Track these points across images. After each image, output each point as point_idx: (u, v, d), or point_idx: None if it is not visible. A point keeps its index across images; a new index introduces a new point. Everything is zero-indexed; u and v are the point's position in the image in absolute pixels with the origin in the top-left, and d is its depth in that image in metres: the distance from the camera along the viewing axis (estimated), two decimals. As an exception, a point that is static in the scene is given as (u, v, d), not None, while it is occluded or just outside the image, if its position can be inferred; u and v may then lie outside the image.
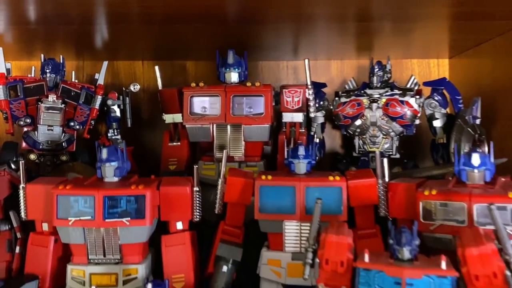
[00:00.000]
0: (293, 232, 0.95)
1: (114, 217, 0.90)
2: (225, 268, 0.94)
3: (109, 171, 0.95)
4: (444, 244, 0.87)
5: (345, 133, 1.32)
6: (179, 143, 1.29)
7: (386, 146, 1.28)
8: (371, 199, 0.96)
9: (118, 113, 1.37)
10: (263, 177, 0.97)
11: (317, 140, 1.32)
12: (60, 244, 0.98)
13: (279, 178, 0.97)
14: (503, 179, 0.91)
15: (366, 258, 0.74)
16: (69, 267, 0.94)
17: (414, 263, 0.73)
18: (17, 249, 1.03)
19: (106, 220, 0.90)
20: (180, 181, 0.99)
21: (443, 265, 0.70)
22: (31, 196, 0.96)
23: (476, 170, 0.87)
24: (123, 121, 1.38)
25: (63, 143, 1.27)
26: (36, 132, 1.25)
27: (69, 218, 0.90)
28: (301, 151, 0.98)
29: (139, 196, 0.91)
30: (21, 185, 0.96)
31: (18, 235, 1.04)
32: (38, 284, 0.95)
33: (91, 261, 0.93)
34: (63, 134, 1.27)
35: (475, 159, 0.86)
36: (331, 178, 0.95)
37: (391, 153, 1.28)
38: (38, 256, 0.97)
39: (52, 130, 1.25)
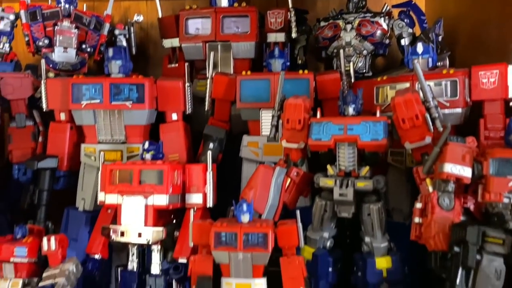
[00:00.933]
0: (268, 118, 1.12)
1: (118, 101, 1.09)
2: (211, 145, 1.12)
3: (115, 67, 1.13)
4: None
5: (324, 55, 1.48)
6: (177, 65, 1.47)
7: (360, 64, 1.43)
8: (335, 92, 1.13)
9: (124, 43, 1.54)
10: (243, 73, 1.14)
11: (300, 62, 1.49)
12: (75, 131, 1.17)
13: (257, 73, 1.14)
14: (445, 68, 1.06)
15: (318, 115, 0.91)
16: (83, 146, 1.13)
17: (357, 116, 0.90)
18: (40, 139, 1.23)
19: (112, 103, 1.08)
20: (174, 78, 1.17)
21: (377, 114, 0.87)
22: (51, 89, 1.16)
23: (420, 57, 1.02)
24: (129, 50, 1.56)
25: (77, 64, 1.46)
26: (53, 53, 1.44)
27: (82, 102, 1.09)
28: (277, 51, 1.15)
29: (139, 85, 1.10)
30: (43, 80, 1.16)
31: (40, 128, 1.25)
32: (57, 161, 1.15)
33: (101, 141, 1.13)
34: (77, 56, 1.46)
35: (419, 47, 1.02)
36: (300, 72, 1.12)
37: (364, 71, 1.43)
38: (57, 141, 1.17)
39: (67, 52, 1.43)
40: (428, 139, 0.83)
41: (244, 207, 0.78)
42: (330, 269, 0.92)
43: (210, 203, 0.95)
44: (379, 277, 0.87)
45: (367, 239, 0.89)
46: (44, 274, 0.82)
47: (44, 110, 1.17)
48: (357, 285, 0.91)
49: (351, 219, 0.96)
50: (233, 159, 1.20)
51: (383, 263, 0.87)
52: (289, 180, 0.95)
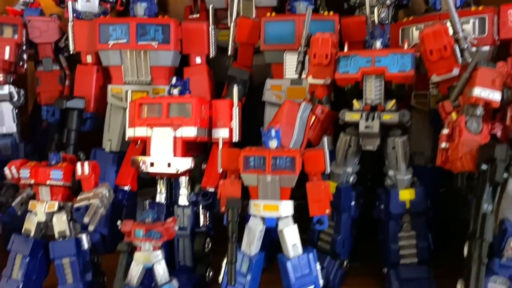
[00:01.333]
0: (292, 60, 1.12)
1: (144, 41, 1.10)
2: (236, 87, 1.14)
3: (140, 9, 1.14)
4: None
5: (347, 7, 1.47)
6: (198, 15, 1.47)
7: (382, 15, 1.41)
8: (360, 35, 1.12)
9: (144, -6, 1.56)
10: (268, 14, 1.14)
11: (322, 12, 1.47)
12: (101, 74, 1.20)
13: (281, 14, 1.14)
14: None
15: (346, 48, 0.91)
16: (109, 87, 1.16)
17: (384, 50, 0.90)
18: (67, 82, 1.26)
19: (138, 43, 1.10)
20: (199, 21, 1.18)
21: (405, 46, 0.87)
22: (77, 31, 1.18)
23: (448, -4, 1.01)
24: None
25: (99, 15, 1.46)
26: (76, 3, 1.44)
27: (109, 42, 1.11)
28: (302, -6, 1.15)
29: (165, 25, 1.11)
30: (70, 22, 1.18)
31: (67, 72, 1.27)
32: (84, 103, 1.17)
33: (127, 82, 1.15)
34: (99, 6, 1.47)
35: (448, -15, 1.01)
36: (326, 13, 1.12)
37: (387, 22, 1.42)
38: (84, 83, 1.19)
39: (89, 1, 1.44)
40: (456, 71, 0.83)
41: (273, 132, 0.79)
42: (353, 203, 0.94)
43: (236, 138, 0.97)
44: (402, 209, 0.89)
45: (390, 172, 0.91)
46: (78, 198, 0.85)
47: (71, 52, 1.20)
48: (379, 218, 0.93)
49: (374, 158, 0.97)
50: (253, 110, 1.21)
51: (406, 195, 0.89)
52: (314, 117, 0.96)
